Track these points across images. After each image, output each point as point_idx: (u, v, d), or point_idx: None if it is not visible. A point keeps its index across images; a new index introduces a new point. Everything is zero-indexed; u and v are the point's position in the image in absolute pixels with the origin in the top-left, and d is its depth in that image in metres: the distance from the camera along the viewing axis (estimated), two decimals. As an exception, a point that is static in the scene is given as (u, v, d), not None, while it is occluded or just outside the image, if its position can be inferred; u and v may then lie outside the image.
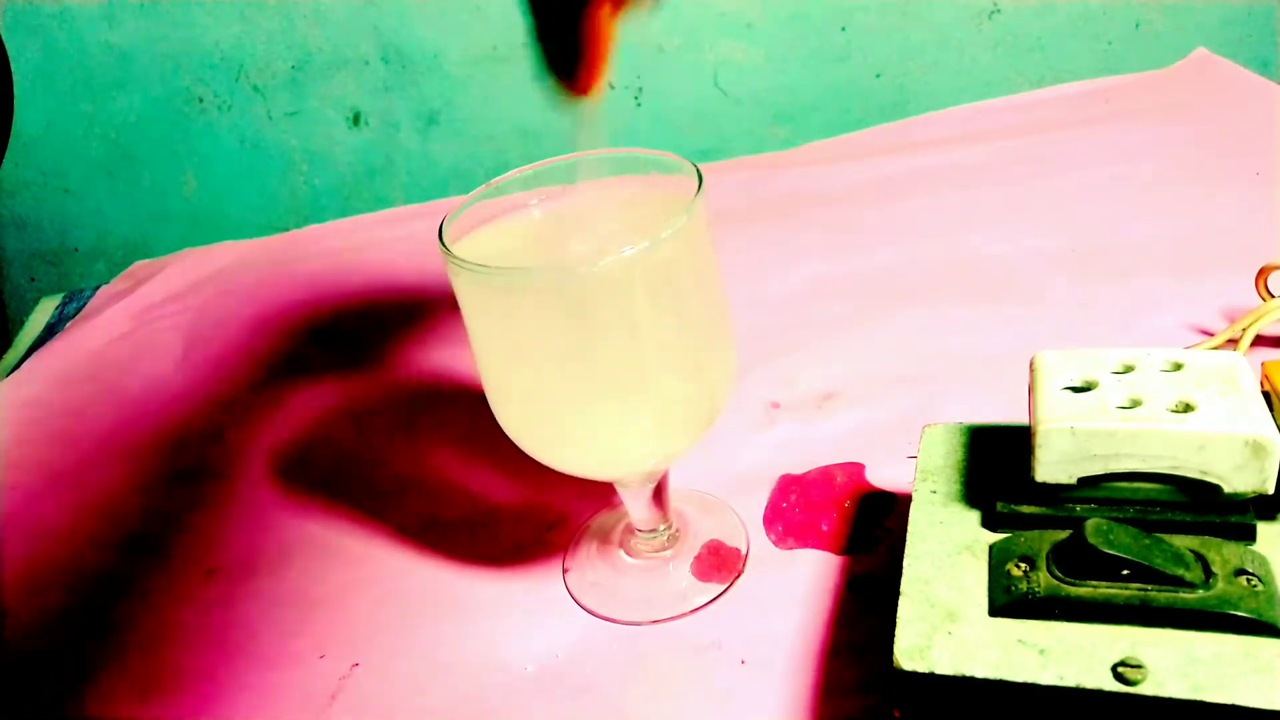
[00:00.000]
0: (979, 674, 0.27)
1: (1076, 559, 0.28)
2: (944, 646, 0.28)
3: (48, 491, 0.53)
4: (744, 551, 0.41)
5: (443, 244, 0.33)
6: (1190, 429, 0.29)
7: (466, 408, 0.53)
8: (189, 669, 0.41)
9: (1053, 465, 0.30)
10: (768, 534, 0.42)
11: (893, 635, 0.28)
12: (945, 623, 0.28)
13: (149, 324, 0.70)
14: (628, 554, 0.42)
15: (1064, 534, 0.29)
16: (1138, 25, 0.97)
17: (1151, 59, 0.88)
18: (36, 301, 0.81)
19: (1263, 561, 0.28)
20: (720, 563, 0.41)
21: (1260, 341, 0.47)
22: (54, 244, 1.06)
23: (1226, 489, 0.29)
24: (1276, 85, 0.75)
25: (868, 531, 0.41)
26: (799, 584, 0.39)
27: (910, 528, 0.32)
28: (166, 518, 0.50)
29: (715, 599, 0.40)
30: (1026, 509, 0.31)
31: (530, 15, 0.35)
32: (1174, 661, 0.26)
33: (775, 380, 0.51)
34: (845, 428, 0.47)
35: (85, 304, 0.76)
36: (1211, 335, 0.48)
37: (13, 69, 0.81)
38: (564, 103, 0.36)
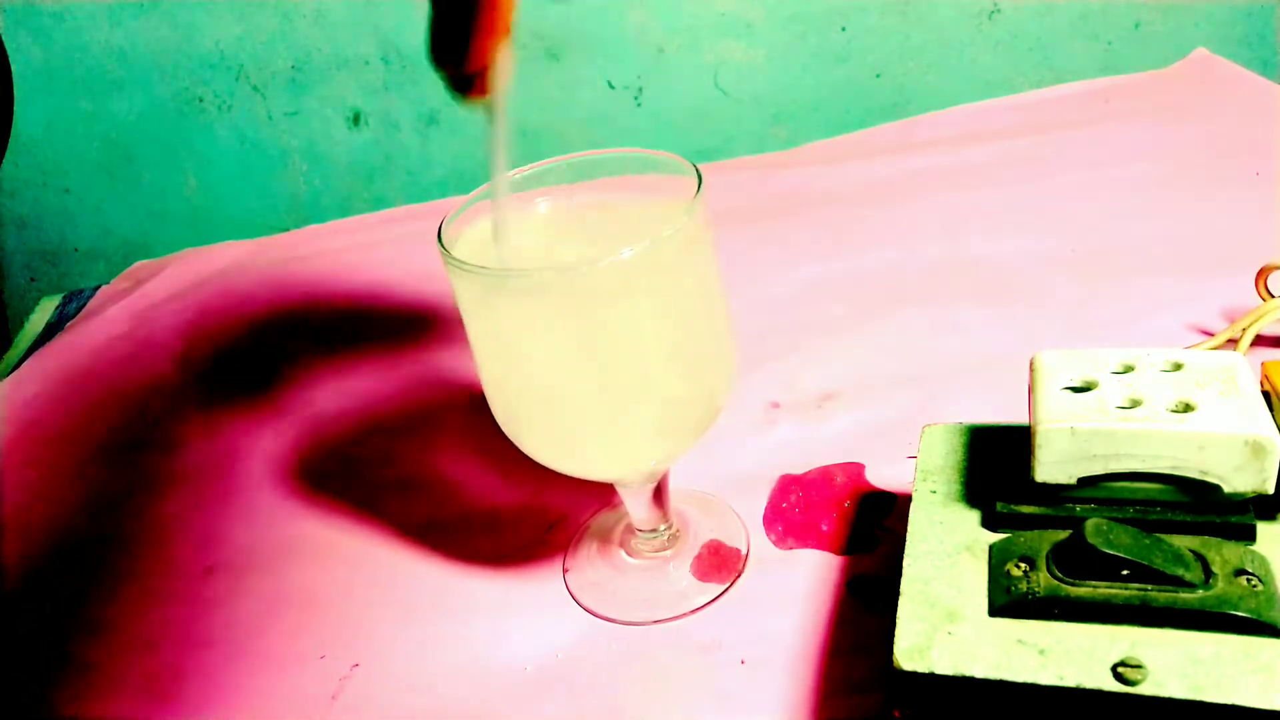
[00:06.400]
0: (979, 674, 0.27)
1: (1076, 559, 0.28)
2: (944, 646, 0.28)
3: (47, 491, 0.53)
4: (744, 551, 0.41)
5: (442, 245, 0.33)
6: (1190, 429, 0.29)
7: (466, 408, 0.53)
8: (189, 669, 0.41)
9: (1053, 465, 0.30)
10: (768, 534, 0.42)
11: (893, 635, 0.28)
12: (945, 623, 0.28)
13: (149, 324, 0.70)
14: (628, 554, 0.42)
15: (1064, 534, 0.29)
16: (1138, 25, 0.97)
17: (1151, 59, 0.88)
18: (36, 301, 0.81)
19: (1263, 561, 0.28)
20: (720, 563, 0.41)
21: (1260, 341, 0.47)
22: (54, 244, 1.05)
23: (1226, 489, 0.29)
24: (1276, 85, 0.75)
25: (868, 531, 0.41)
26: (799, 584, 0.39)
27: (910, 528, 0.32)
28: (166, 518, 0.50)
29: (715, 599, 0.40)
30: (1026, 509, 0.31)
31: None
32: (1174, 661, 0.26)
33: (775, 380, 0.51)
34: (845, 428, 0.47)
35: (85, 304, 0.76)
36: (1211, 335, 0.48)
37: (13, 69, 0.81)
38: (463, 101, 0.30)
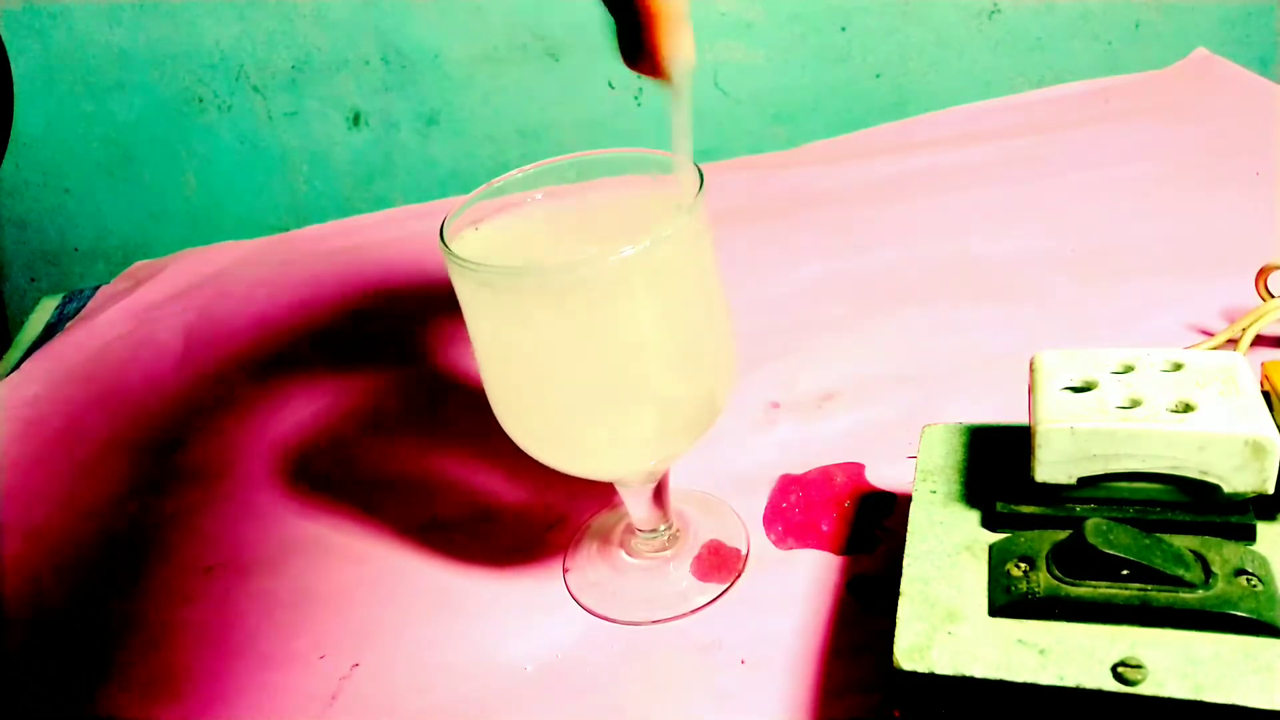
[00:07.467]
0: (979, 674, 0.27)
1: (1076, 559, 0.28)
2: (944, 646, 0.28)
3: (48, 491, 0.53)
4: (744, 551, 0.41)
5: (443, 243, 0.33)
6: (1190, 429, 0.29)
7: (467, 408, 0.53)
8: (189, 669, 0.41)
9: (1053, 465, 0.30)
10: (768, 534, 0.42)
11: (893, 635, 0.28)
12: (945, 623, 0.28)
13: (149, 324, 0.70)
14: (628, 554, 0.42)
15: (1064, 534, 0.29)
16: (1138, 25, 0.97)
17: (1151, 59, 0.88)
18: (36, 301, 0.81)
19: (1263, 561, 0.28)
20: (720, 563, 0.41)
21: (1260, 341, 0.47)
22: (54, 244, 1.06)
23: (1226, 489, 0.29)
24: (1276, 85, 0.75)
25: (868, 531, 0.41)
26: (799, 584, 0.39)
27: (910, 528, 0.32)
28: (166, 517, 0.50)
29: (715, 599, 0.40)
30: (1026, 509, 0.31)
31: None
32: (1174, 661, 0.26)
33: (775, 380, 0.51)
34: (845, 428, 0.47)
35: (85, 304, 0.76)
36: (1211, 335, 0.48)
37: (13, 69, 0.81)
38: (654, 84, 0.35)
